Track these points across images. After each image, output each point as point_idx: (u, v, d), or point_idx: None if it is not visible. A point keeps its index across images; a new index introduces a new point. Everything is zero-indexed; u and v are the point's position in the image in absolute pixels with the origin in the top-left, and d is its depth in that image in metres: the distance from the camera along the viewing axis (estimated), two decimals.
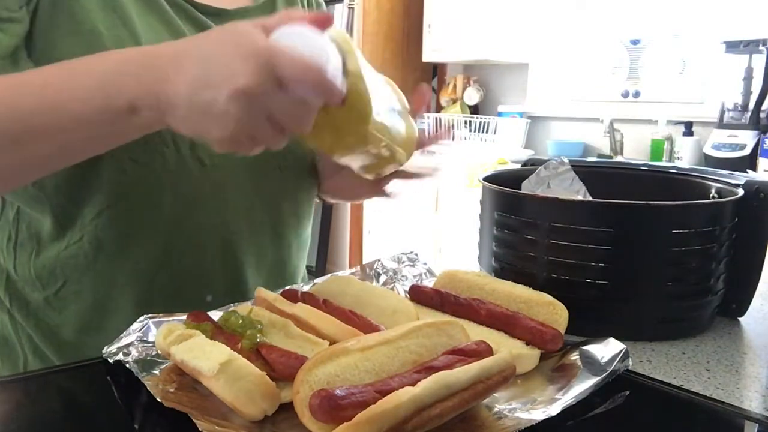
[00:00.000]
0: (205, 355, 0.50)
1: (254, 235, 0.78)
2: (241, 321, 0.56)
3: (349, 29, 3.50)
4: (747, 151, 2.48)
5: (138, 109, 0.50)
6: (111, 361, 0.56)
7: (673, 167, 0.95)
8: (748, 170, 2.30)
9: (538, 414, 0.48)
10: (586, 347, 0.59)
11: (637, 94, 3.12)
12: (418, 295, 0.70)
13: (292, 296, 0.65)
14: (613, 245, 0.68)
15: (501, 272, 0.77)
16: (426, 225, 3.21)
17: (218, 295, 0.74)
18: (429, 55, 3.70)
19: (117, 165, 0.66)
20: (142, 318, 0.62)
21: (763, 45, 2.46)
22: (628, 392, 0.56)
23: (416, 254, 0.84)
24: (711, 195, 0.80)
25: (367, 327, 0.59)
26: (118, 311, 0.72)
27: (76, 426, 0.52)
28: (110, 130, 0.54)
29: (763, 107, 2.52)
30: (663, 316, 0.70)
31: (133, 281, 0.71)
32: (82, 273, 0.71)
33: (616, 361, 0.55)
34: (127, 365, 0.55)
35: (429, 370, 0.48)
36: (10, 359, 0.76)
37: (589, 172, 0.90)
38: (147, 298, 0.72)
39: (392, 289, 0.77)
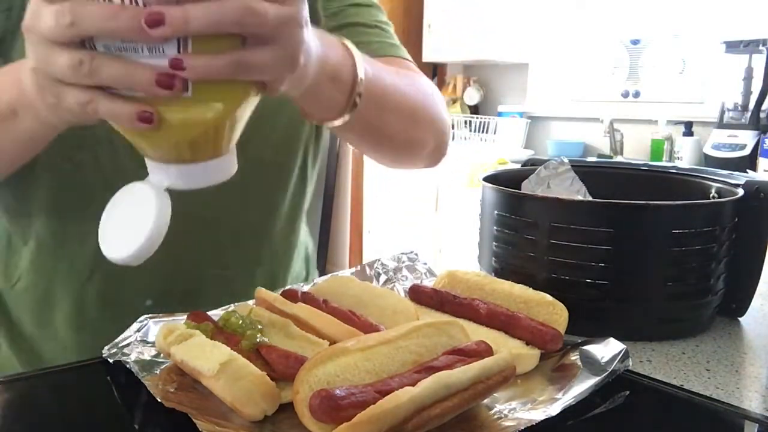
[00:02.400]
0: (205, 355, 0.50)
1: (201, 238, 0.75)
2: (241, 321, 0.56)
3: None
4: (747, 151, 2.48)
5: (16, 111, 0.52)
6: (111, 361, 0.56)
7: (673, 167, 0.95)
8: (748, 170, 2.30)
9: (538, 414, 0.48)
10: (586, 347, 0.59)
11: (637, 94, 3.12)
12: (418, 295, 0.70)
13: (292, 296, 0.65)
14: (613, 245, 0.68)
15: (501, 272, 0.77)
16: (426, 225, 3.21)
17: (159, 299, 0.74)
18: (429, 55, 3.70)
19: (52, 164, 0.66)
20: (142, 318, 0.62)
21: (763, 45, 2.47)
22: (628, 392, 0.56)
23: (416, 254, 0.84)
24: (711, 195, 0.80)
25: (367, 327, 0.59)
26: (59, 308, 0.74)
27: (76, 426, 0.52)
28: (6, 135, 0.55)
29: (763, 107, 2.52)
30: (663, 316, 0.70)
31: (70, 279, 0.73)
32: (29, 269, 0.74)
33: (616, 361, 0.55)
34: (127, 365, 0.55)
35: (429, 370, 0.48)
36: None
37: (589, 172, 0.90)
38: (83, 299, 0.73)
39: (392, 289, 0.77)
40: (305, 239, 0.95)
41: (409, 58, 0.83)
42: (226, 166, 0.46)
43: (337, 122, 0.61)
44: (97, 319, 0.74)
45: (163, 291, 0.74)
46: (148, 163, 0.45)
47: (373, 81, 0.62)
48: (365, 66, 0.61)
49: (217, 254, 0.78)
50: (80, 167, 0.67)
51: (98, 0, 0.38)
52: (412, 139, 0.77)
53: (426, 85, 0.79)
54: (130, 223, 0.43)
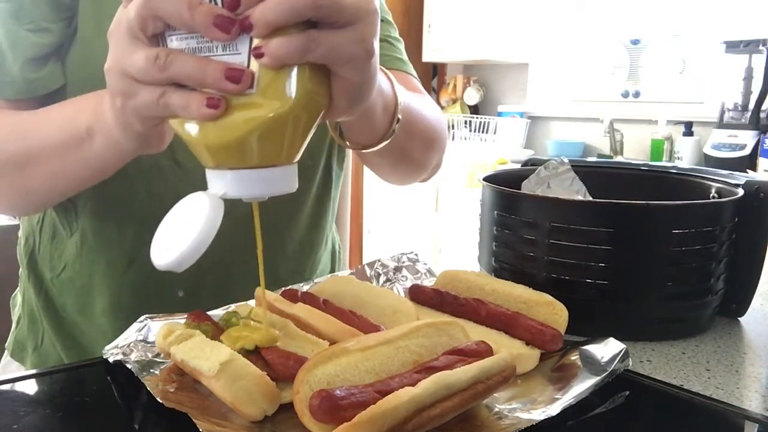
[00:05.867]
0: (205, 355, 0.50)
1: (232, 236, 0.77)
2: (241, 321, 0.56)
3: None
4: (747, 151, 2.48)
5: (93, 132, 0.57)
6: (111, 361, 0.56)
7: (673, 167, 0.95)
8: (748, 170, 2.30)
9: (538, 414, 0.48)
10: (586, 347, 0.59)
11: (637, 94, 3.12)
12: (418, 295, 0.70)
13: (292, 296, 0.65)
14: (613, 245, 0.68)
15: (501, 272, 0.77)
16: (426, 225, 3.21)
17: (190, 291, 0.78)
18: (429, 55, 3.70)
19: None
20: (142, 318, 0.62)
21: (763, 45, 2.47)
22: (628, 392, 0.56)
23: (416, 254, 0.84)
24: (711, 195, 0.80)
25: (367, 327, 0.59)
26: (98, 297, 0.78)
27: (76, 426, 0.52)
28: (81, 155, 0.60)
29: (763, 107, 2.52)
30: (663, 316, 0.70)
31: (109, 272, 0.78)
32: (74, 260, 0.79)
33: (616, 361, 0.55)
34: (127, 365, 0.55)
35: (429, 370, 0.48)
36: (33, 330, 0.84)
37: (589, 172, 0.90)
38: (120, 289, 0.78)
39: (392, 289, 0.77)
40: (333, 236, 0.97)
41: (416, 75, 0.86)
42: (284, 177, 0.45)
43: (376, 148, 0.62)
44: (133, 308, 0.76)
45: (194, 283, 0.78)
46: (208, 173, 0.45)
47: (406, 108, 0.64)
48: (402, 92, 0.62)
49: (245, 249, 0.80)
50: (124, 168, 0.69)
51: None
52: (423, 161, 0.81)
53: (435, 107, 0.83)
54: (179, 230, 0.43)
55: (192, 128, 0.43)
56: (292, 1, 0.39)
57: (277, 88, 0.41)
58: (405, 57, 0.85)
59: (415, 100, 0.72)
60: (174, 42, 0.43)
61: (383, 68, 0.61)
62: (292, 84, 0.41)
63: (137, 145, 0.52)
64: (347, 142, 0.64)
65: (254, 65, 0.41)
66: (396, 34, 0.87)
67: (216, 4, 0.40)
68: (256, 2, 0.39)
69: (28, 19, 0.68)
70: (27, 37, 0.68)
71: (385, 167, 0.81)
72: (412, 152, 0.76)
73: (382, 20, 0.84)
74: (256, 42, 0.40)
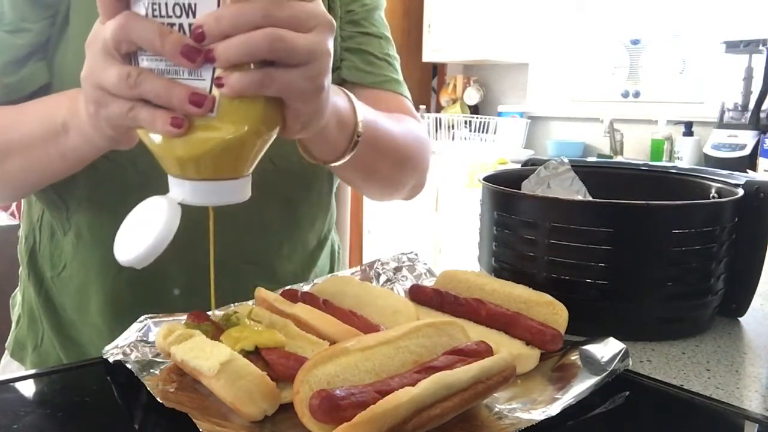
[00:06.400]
0: (205, 355, 0.50)
1: (229, 236, 0.77)
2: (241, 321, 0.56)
3: None
4: (747, 151, 2.48)
5: (67, 128, 0.59)
6: (111, 361, 0.56)
7: (673, 167, 0.95)
8: (748, 170, 2.31)
9: (538, 414, 0.48)
10: (586, 347, 0.59)
11: (637, 94, 3.12)
12: (418, 295, 0.70)
13: (292, 296, 0.65)
14: (613, 245, 0.68)
15: (501, 272, 0.77)
16: (426, 225, 3.21)
17: (185, 290, 0.78)
18: (429, 55, 3.70)
19: (91, 162, 0.69)
20: (142, 318, 0.62)
21: (763, 45, 2.47)
22: (628, 392, 0.56)
23: (416, 254, 0.84)
24: (711, 195, 0.80)
25: (367, 327, 0.59)
26: (95, 296, 0.78)
27: (76, 426, 0.52)
28: (58, 149, 0.62)
29: (763, 107, 2.52)
30: (663, 316, 0.70)
31: (104, 270, 0.77)
32: (72, 259, 0.79)
33: (616, 361, 0.55)
34: (127, 365, 0.55)
35: (429, 370, 0.48)
36: (33, 330, 0.84)
37: (589, 172, 0.90)
38: (116, 287, 0.78)
39: (392, 289, 0.77)
40: (332, 236, 0.98)
41: (408, 96, 0.90)
42: (238, 189, 0.50)
43: (336, 163, 0.66)
44: (129, 307, 0.77)
45: (189, 282, 0.78)
46: (170, 179, 0.49)
47: (371, 125, 0.68)
48: (363, 111, 0.67)
49: (240, 248, 0.80)
50: (118, 166, 0.72)
51: (151, 21, 0.44)
52: (395, 180, 0.84)
53: (419, 130, 0.86)
54: (140, 230, 0.48)
55: (156, 139, 0.48)
56: (250, 42, 0.44)
57: (235, 114, 0.46)
58: (400, 77, 0.89)
59: (386, 120, 0.75)
60: (144, 62, 0.46)
61: (342, 89, 0.66)
62: (248, 112, 0.46)
63: (109, 143, 0.55)
64: (309, 158, 0.67)
65: (215, 91, 0.45)
66: (394, 52, 0.90)
67: (185, 34, 0.44)
68: (220, 38, 0.44)
69: (6, 20, 0.69)
70: (4, 39, 0.69)
71: (357, 182, 0.83)
72: (380, 170, 0.78)
73: (380, 37, 0.87)
74: (218, 72, 0.45)
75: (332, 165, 0.66)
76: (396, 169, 0.81)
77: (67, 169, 0.67)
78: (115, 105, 0.47)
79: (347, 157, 0.66)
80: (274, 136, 0.50)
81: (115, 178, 0.74)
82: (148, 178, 0.73)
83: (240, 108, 0.46)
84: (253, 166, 0.50)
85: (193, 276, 0.77)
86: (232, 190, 0.50)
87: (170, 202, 0.48)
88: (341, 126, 0.63)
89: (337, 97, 0.62)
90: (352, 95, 0.66)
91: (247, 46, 0.44)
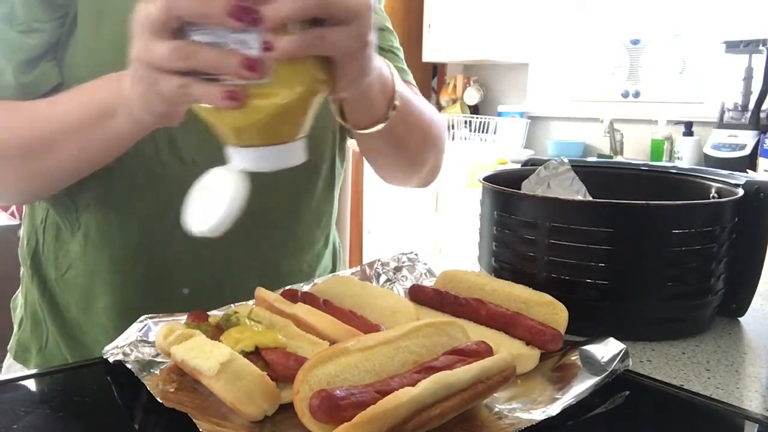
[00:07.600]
0: (205, 355, 0.50)
1: (237, 233, 0.78)
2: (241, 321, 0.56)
3: None
4: (747, 151, 2.48)
5: (113, 110, 0.59)
6: (111, 361, 0.56)
7: (673, 167, 0.95)
8: (748, 170, 2.31)
9: (538, 414, 0.48)
10: (586, 347, 0.59)
11: (637, 94, 3.12)
12: (418, 295, 0.70)
13: (292, 296, 0.65)
14: (613, 245, 0.68)
15: (501, 272, 0.77)
16: (426, 225, 3.21)
17: (194, 289, 0.78)
18: (429, 55, 3.70)
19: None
20: (142, 318, 0.62)
21: (763, 45, 2.47)
22: (628, 392, 0.56)
23: (416, 254, 0.84)
24: (711, 195, 0.80)
25: (367, 327, 0.59)
26: (102, 296, 0.78)
27: (76, 426, 0.52)
28: (101, 134, 0.62)
29: (763, 107, 2.52)
30: (663, 316, 0.70)
31: (113, 269, 0.77)
32: (78, 259, 0.78)
33: (616, 361, 0.55)
34: (127, 365, 0.55)
35: (429, 370, 0.48)
36: (37, 332, 0.83)
37: (589, 172, 0.90)
38: (125, 287, 0.78)
39: (392, 289, 0.77)
40: (333, 235, 0.98)
41: (414, 83, 0.90)
42: (295, 152, 0.51)
43: (374, 129, 0.67)
44: (137, 306, 0.77)
45: (197, 281, 0.78)
46: (228, 149, 0.50)
47: (404, 96, 0.69)
48: (398, 80, 0.68)
49: (246, 246, 0.81)
50: (126, 166, 0.71)
51: None
52: (418, 157, 0.84)
53: (435, 110, 0.87)
54: (210, 202, 0.50)
55: (212, 111, 0.48)
56: (302, 2, 0.44)
57: (287, 77, 0.46)
58: (405, 66, 0.90)
59: (415, 97, 0.76)
60: (194, 37, 0.47)
61: (386, 60, 0.67)
62: (300, 74, 0.47)
63: (158, 120, 0.55)
64: (348, 123, 0.68)
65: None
66: (397, 43, 0.90)
67: None
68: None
69: (19, 21, 0.69)
70: (18, 39, 0.69)
71: (381, 158, 0.84)
72: (408, 143, 0.79)
73: (383, 29, 0.87)
74: (266, 38, 0.45)
75: (368, 131, 0.67)
76: (421, 144, 0.82)
77: (106, 157, 0.67)
78: (168, 82, 0.48)
79: (382, 125, 0.67)
80: (326, 95, 0.51)
81: (126, 178, 0.74)
82: (156, 179, 0.74)
83: (291, 71, 0.46)
84: (308, 127, 0.51)
85: (201, 274, 0.78)
86: (289, 154, 0.51)
87: (233, 171, 0.50)
88: (383, 87, 0.65)
89: (381, 63, 0.64)
90: (393, 68, 0.68)
91: (301, 4, 0.44)
